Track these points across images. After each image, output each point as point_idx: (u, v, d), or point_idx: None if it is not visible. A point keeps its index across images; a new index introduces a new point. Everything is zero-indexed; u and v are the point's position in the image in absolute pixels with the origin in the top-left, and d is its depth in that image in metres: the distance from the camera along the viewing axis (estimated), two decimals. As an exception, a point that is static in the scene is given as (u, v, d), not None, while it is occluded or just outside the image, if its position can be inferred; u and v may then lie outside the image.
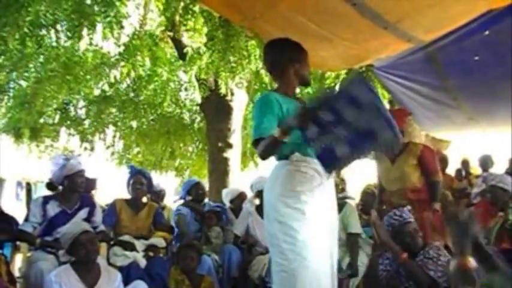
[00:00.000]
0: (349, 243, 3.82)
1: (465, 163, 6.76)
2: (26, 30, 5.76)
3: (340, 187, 5.25)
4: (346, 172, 5.74)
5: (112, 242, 3.64)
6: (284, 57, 2.39)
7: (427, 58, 3.88)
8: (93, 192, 5.57)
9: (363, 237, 3.98)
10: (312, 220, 2.16)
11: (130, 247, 3.60)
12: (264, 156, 2.22)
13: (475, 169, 6.70)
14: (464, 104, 4.76)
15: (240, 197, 4.84)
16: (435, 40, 3.48)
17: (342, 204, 4.60)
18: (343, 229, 3.78)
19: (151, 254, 3.66)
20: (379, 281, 2.81)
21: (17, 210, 5.93)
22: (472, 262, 1.63)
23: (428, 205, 3.68)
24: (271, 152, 2.21)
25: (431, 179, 3.73)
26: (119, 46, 6.70)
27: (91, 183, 5.54)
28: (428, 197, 3.72)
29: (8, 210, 4.20)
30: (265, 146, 2.17)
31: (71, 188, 3.54)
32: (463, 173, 6.61)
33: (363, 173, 5.94)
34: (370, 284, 3.01)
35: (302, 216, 2.15)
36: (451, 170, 6.57)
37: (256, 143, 2.23)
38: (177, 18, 6.18)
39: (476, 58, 3.71)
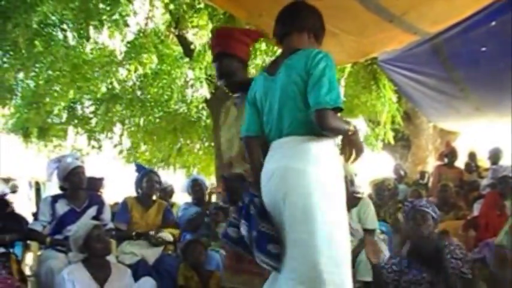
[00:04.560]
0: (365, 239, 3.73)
1: (472, 155, 6.72)
2: (34, 30, 5.80)
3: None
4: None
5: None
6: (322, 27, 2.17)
7: (433, 50, 3.86)
8: (101, 190, 5.59)
9: (377, 233, 3.91)
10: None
11: (146, 239, 3.67)
12: (332, 132, 1.93)
13: (483, 161, 6.65)
14: (471, 95, 4.73)
15: None
16: (441, 32, 3.46)
17: (357, 198, 4.51)
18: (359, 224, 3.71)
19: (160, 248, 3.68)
20: (386, 279, 2.81)
21: (28, 209, 5.99)
22: None
23: None
24: (337, 134, 1.95)
25: None
26: (125, 44, 6.73)
27: (98, 182, 5.57)
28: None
29: (19, 209, 4.25)
30: (343, 125, 1.93)
31: (73, 186, 3.56)
32: (473, 165, 6.56)
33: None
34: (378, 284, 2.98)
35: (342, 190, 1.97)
36: (459, 163, 6.53)
37: (331, 111, 1.87)
38: (182, 15, 6.18)
39: (483, 49, 3.69)
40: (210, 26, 5.79)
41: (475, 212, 4.60)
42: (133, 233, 3.71)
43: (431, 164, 8.36)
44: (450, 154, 6.38)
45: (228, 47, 2.39)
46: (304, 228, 1.84)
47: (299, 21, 2.14)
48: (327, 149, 1.94)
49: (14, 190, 8.02)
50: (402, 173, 7.35)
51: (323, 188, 1.87)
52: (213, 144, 8.50)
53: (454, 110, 5.32)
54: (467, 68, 4.15)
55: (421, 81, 4.59)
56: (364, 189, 5.22)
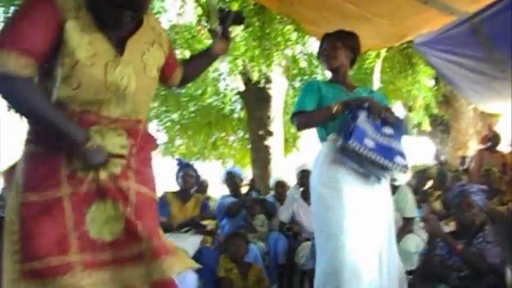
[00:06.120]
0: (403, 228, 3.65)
1: (514, 138, 6.44)
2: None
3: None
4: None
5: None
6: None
7: (471, 30, 3.72)
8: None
9: (416, 221, 3.82)
10: (350, 201, 2.11)
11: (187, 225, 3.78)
12: (304, 126, 2.32)
13: (526, 145, 6.37)
14: (513, 75, 4.53)
15: (279, 186, 4.84)
16: (479, 11, 3.33)
17: (395, 186, 4.41)
18: (398, 213, 3.63)
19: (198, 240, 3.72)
20: (434, 268, 2.73)
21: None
22: None
23: None
24: (315, 122, 2.29)
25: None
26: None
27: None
28: None
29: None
30: (313, 115, 2.26)
31: None
32: (517, 148, 6.28)
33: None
34: (425, 273, 2.88)
35: (337, 194, 2.12)
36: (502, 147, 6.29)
37: (296, 116, 2.31)
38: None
39: (525, 27, 3.52)
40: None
41: (521, 198, 4.44)
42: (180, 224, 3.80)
43: (473, 148, 8.10)
44: (493, 138, 6.13)
45: None
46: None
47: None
48: (323, 155, 2.24)
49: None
50: (443, 158, 7.14)
51: (314, 192, 2.24)
52: (247, 136, 8.51)
53: (495, 91, 5.12)
54: (507, 48, 3.97)
55: (459, 63, 4.44)
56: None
